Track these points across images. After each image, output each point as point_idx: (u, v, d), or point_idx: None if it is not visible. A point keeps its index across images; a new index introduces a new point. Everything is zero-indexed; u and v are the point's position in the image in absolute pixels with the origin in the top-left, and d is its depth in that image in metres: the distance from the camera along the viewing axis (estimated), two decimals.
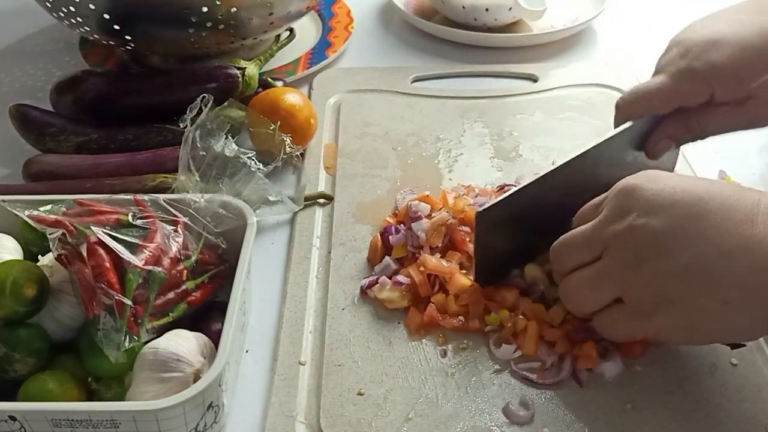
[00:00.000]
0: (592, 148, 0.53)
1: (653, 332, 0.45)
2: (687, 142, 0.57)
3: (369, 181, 0.67)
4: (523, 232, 0.54)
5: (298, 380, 0.50)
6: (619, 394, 0.48)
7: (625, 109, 0.56)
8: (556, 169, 0.52)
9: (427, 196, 0.60)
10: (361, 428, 0.47)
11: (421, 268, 0.54)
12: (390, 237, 0.58)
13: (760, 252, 0.41)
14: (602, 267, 0.46)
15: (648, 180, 0.45)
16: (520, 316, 0.52)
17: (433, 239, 0.56)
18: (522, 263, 0.55)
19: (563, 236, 0.49)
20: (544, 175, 0.52)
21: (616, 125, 0.56)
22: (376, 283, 0.55)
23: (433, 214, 0.58)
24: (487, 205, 0.51)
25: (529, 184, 0.51)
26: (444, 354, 0.51)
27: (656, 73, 0.56)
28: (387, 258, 0.57)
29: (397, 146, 0.71)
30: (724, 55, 0.52)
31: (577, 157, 0.52)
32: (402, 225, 0.59)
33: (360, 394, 0.49)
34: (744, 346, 0.50)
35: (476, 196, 0.61)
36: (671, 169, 0.61)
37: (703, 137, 0.57)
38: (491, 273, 0.54)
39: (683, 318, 0.43)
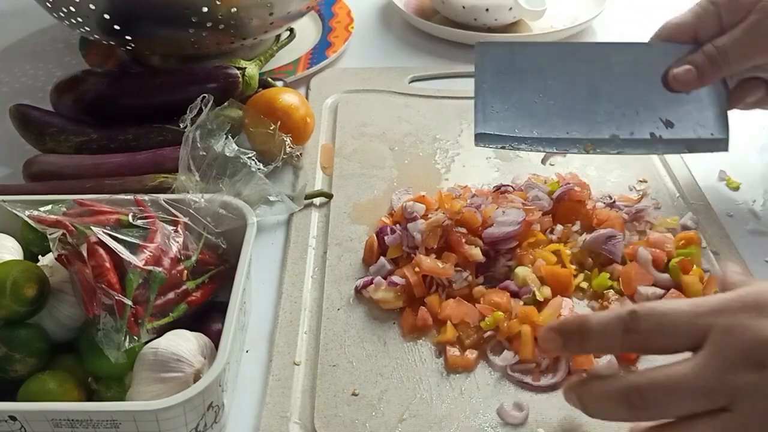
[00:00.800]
0: (611, 44, 0.56)
1: None
2: (707, 75, 0.57)
3: (366, 181, 0.67)
4: (528, 96, 0.53)
5: (292, 381, 0.50)
6: None
7: (653, 39, 0.59)
8: (568, 44, 0.53)
9: (423, 196, 0.61)
10: (356, 429, 0.47)
11: (417, 269, 0.54)
12: (385, 237, 0.58)
13: None
14: (703, 373, 0.37)
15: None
16: (514, 320, 0.52)
17: (429, 240, 0.56)
18: (524, 141, 0.53)
19: (652, 373, 0.39)
20: (553, 43, 0.52)
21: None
22: (371, 283, 0.55)
23: (429, 215, 0.58)
24: (490, 40, 0.51)
25: (538, 42, 0.52)
26: (439, 354, 0.52)
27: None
28: (382, 258, 0.57)
29: (394, 146, 0.72)
30: None
31: (595, 44, 0.54)
32: (398, 225, 0.59)
33: (354, 394, 0.49)
34: None
35: (473, 197, 0.61)
36: (720, 135, 0.58)
37: (720, 67, 0.56)
38: (491, 130, 0.53)
39: None
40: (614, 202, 0.62)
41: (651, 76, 0.57)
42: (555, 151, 0.56)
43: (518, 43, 0.49)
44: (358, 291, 0.56)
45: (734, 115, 0.60)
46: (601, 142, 0.56)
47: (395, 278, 0.55)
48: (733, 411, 0.36)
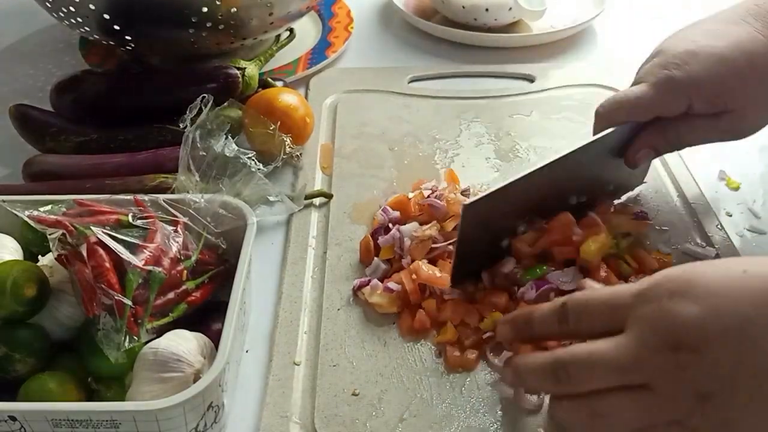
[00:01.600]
0: (574, 151, 0.54)
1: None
2: (666, 152, 0.59)
3: (365, 181, 0.67)
4: (501, 229, 0.55)
5: (292, 380, 0.50)
6: None
7: (605, 116, 0.56)
8: (539, 168, 0.53)
9: (402, 200, 0.61)
10: (356, 428, 0.47)
11: (413, 276, 0.54)
12: (379, 238, 0.58)
13: None
14: (625, 355, 0.39)
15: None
16: None
17: (415, 253, 0.56)
18: (490, 264, 0.55)
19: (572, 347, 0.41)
20: (528, 173, 0.52)
21: (595, 132, 0.57)
22: (368, 284, 0.55)
23: (417, 227, 0.58)
24: (474, 199, 0.51)
25: (515, 180, 0.52)
26: (439, 354, 0.52)
27: (636, 81, 0.57)
28: (376, 259, 0.57)
29: (394, 146, 0.72)
30: (702, 68, 0.53)
31: (560, 158, 0.54)
32: (395, 225, 0.59)
33: (355, 394, 0.49)
34: None
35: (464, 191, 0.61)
36: (642, 179, 0.64)
37: (680, 148, 0.58)
38: (467, 272, 0.54)
39: (720, 414, 0.37)
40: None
41: (605, 159, 0.58)
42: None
43: (497, 190, 0.52)
44: (355, 291, 0.56)
45: None
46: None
47: (391, 285, 0.54)
48: (650, 389, 0.38)
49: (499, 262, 0.55)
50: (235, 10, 0.70)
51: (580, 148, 0.54)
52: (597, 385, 0.39)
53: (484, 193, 0.52)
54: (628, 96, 0.55)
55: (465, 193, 0.60)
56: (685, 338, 0.37)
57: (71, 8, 0.70)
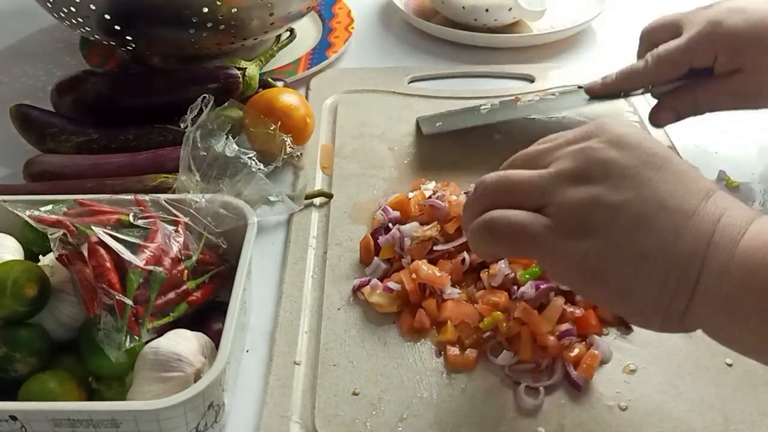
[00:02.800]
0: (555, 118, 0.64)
1: (558, 255, 0.40)
2: (686, 116, 0.64)
3: (365, 181, 0.67)
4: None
5: (293, 380, 0.50)
6: (612, 394, 0.49)
7: (649, 74, 0.64)
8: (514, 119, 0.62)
9: (402, 199, 0.61)
10: (356, 428, 0.47)
11: (413, 276, 0.54)
12: (379, 238, 0.58)
13: (700, 223, 0.39)
14: (539, 175, 0.42)
15: (622, 123, 0.44)
16: (513, 320, 0.52)
17: (415, 253, 0.56)
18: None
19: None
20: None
21: (640, 55, 0.65)
22: (367, 284, 0.56)
23: (417, 227, 0.58)
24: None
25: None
26: (439, 354, 0.52)
27: (682, 22, 0.62)
28: (376, 259, 0.57)
29: (394, 146, 0.72)
30: (741, 21, 0.57)
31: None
32: (396, 225, 0.59)
33: (355, 393, 0.49)
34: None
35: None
36: None
37: (699, 113, 0.64)
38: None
39: (593, 255, 0.39)
40: None
41: None
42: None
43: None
44: (355, 291, 0.56)
45: (734, 114, 0.60)
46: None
47: (391, 284, 0.55)
48: (550, 217, 0.41)
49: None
50: (236, 10, 0.70)
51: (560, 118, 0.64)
52: (510, 199, 0.42)
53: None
54: (667, 49, 0.61)
55: (467, 193, 0.60)
56: (604, 134, 0.42)
57: (72, 8, 0.70)
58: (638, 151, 0.41)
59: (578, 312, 0.52)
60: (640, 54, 0.65)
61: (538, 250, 0.41)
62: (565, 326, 0.51)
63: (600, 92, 0.67)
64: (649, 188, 0.40)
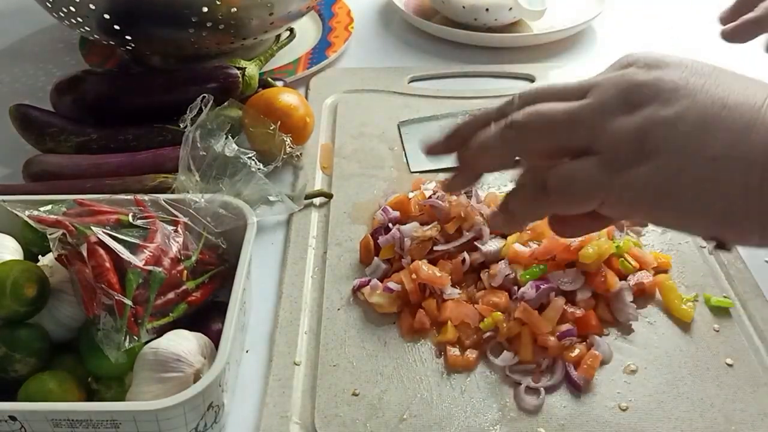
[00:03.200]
0: None
1: (619, 190, 0.36)
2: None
3: (365, 181, 0.67)
4: None
5: (293, 380, 0.50)
6: (613, 394, 0.49)
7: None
8: None
9: (402, 200, 0.61)
10: (356, 429, 0.47)
11: (413, 276, 0.54)
12: (379, 238, 0.58)
13: (763, 124, 0.34)
14: (579, 107, 0.37)
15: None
16: (513, 321, 0.52)
17: (415, 253, 0.56)
18: None
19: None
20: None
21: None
22: (367, 284, 0.56)
23: (417, 227, 0.58)
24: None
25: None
26: (439, 354, 0.52)
27: None
28: (376, 259, 0.57)
29: (394, 146, 0.72)
30: None
31: None
32: (396, 225, 0.59)
33: (355, 394, 0.49)
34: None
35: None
36: None
37: None
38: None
39: (660, 173, 0.35)
40: None
41: None
42: None
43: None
44: (355, 292, 0.56)
45: None
46: None
47: (391, 284, 0.54)
48: (601, 153, 0.36)
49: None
50: (235, 10, 0.70)
51: None
52: (547, 140, 0.38)
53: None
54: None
55: (468, 194, 0.60)
56: (641, 59, 0.37)
57: (71, 8, 0.70)
58: (682, 65, 0.37)
59: (579, 312, 0.52)
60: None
61: (597, 195, 0.37)
62: (565, 326, 0.51)
63: None
64: (704, 93, 0.36)
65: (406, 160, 0.69)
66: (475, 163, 0.42)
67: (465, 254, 0.56)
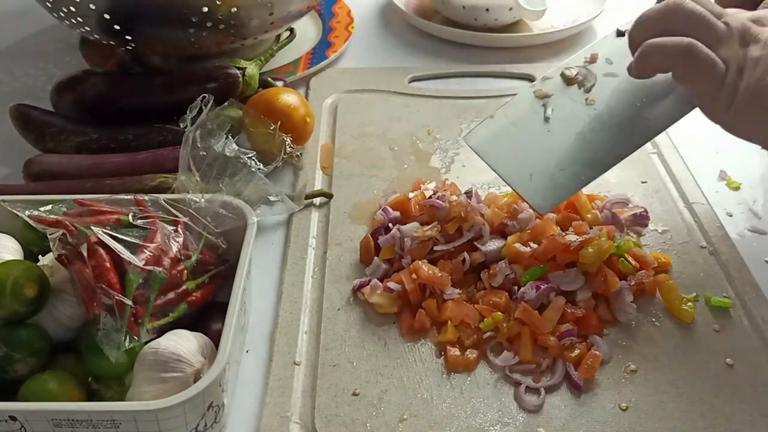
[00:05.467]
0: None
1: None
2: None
3: (365, 181, 0.67)
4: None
5: (293, 380, 0.50)
6: (613, 394, 0.49)
7: None
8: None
9: (402, 200, 0.61)
10: (356, 428, 0.47)
11: (414, 276, 0.54)
12: (379, 238, 0.58)
13: None
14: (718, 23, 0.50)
15: None
16: (513, 321, 0.52)
17: (416, 253, 0.56)
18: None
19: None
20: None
21: None
22: (368, 284, 0.56)
23: (417, 227, 0.58)
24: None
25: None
26: (439, 354, 0.52)
27: None
28: (376, 259, 0.57)
29: (394, 146, 0.72)
30: None
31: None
32: (396, 225, 0.59)
33: (355, 394, 0.49)
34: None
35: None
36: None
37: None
38: (541, 189, 0.54)
39: (751, 84, 0.48)
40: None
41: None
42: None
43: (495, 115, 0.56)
44: (355, 291, 0.56)
45: None
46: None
47: (391, 284, 0.54)
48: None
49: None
50: (235, 10, 0.70)
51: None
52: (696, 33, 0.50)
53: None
54: None
55: (468, 194, 0.60)
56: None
57: (71, 8, 0.70)
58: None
59: (579, 312, 0.52)
60: None
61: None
62: (565, 326, 0.51)
63: None
64: None
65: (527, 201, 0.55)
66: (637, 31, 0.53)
67: (465, 254, 0.56)
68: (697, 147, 0.70)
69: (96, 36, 0.75)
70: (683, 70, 0.50)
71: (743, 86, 0.49)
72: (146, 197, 0.54)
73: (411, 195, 0.61)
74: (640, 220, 0.61)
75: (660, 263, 0.57)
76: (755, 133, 0.51)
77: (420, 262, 0.55)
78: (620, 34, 0.60)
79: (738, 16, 0.51)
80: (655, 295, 0.56)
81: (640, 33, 0.52)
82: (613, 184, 0.66)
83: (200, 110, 0.59)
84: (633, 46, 0.53)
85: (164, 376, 0.44)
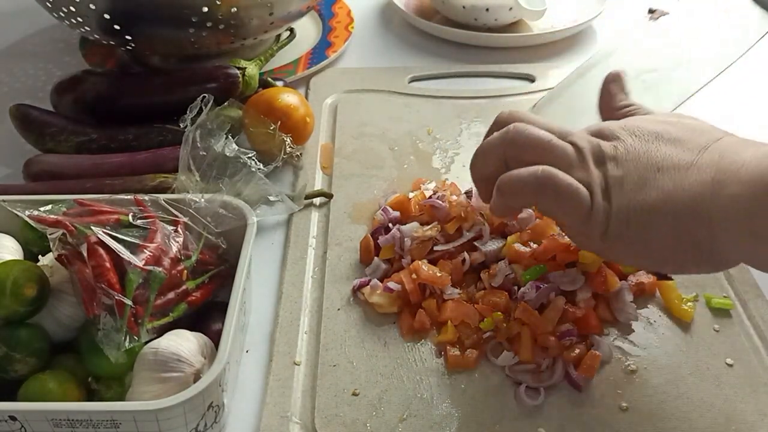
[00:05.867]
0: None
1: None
2: None
3: (365, 181, 0.67)
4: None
5: (293, 380, 0.50)
6: (613, 394, 0.49)
7: None
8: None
9: (402, 200, 0.60)
10: (356, 429, 0.47)
11: (414, 276, 0.54)
12: (379, 238, 0.58)
13: (698, 172, 0.42)
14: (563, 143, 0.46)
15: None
16: (513, 321, 0.52)
17: (416, 253, 0.56)
18: None
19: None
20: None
21: None
22: (367, 284, 0.56)
23: (417, 227, 0.58)
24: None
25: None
26: (439, 354, 0.52)
27: None
28: (376, 259, 0.57)
29: (394, 146, 0.72)
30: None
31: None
32: (396, 225, 0.59)
33: (355, 394, 0.49)
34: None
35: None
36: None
37: None
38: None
39: (614, 220, 0.43)
40: None
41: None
42: None
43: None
44: (355, 291, 0.56)
45: (733, 114, 0.60)
46: None
47: (391, 284, 0.54)
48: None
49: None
50: (235, 10, 0.70)
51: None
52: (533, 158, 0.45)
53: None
54: None
55: (468, 194, 0.60)
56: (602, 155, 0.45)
57: (71, 8, 0.70)
58: (632, 135, 0.45)
59: (579, 312, 0.52)
60: None
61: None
62: (565, 326, 0.51)
63: None
64: (645, 158, 0.44)
65: None
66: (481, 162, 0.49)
67: (465, 254, 0.56)
68: None
69: (96, 36, 0.75)
70: (546, 200, 0.44)
71: (615, 209, 0.43)
72: (146, 197, 0.54)
73: (411, 195, 0.61)
74: None
75: None
76: (634, 257, 0.45)
77: (420, 262, 0.55)
78: (651, 12, 0.61)
79: (580, 134, 0.46)
80: (655, 295, 0.56)
81: (480, 167, 0.48)
82: None
83: (200, 110, 0.59)
84: (476, 183, 0.49)
85: (164, 376, 0.44)
